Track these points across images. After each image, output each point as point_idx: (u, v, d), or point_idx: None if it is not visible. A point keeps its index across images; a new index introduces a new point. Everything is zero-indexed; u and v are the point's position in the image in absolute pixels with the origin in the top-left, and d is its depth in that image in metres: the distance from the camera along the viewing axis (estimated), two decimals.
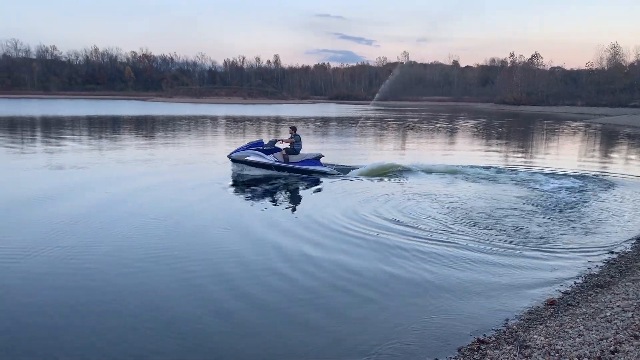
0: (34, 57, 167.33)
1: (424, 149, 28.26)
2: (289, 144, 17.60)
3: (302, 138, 18.00)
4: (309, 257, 8.79)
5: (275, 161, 17.19)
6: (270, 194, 14.95)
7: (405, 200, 13.54)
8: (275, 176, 17.07)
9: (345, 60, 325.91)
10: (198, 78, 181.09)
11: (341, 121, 57.49)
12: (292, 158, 17.38)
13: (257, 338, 6.00)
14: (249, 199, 14.21)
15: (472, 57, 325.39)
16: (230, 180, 16.62)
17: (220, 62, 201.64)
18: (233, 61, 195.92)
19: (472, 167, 19.43)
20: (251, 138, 33.03)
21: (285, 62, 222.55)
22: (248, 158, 17.05)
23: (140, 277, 7.81)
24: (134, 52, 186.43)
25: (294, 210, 12.78)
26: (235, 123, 50.74)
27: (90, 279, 7.65)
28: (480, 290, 7.52)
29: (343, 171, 17.96)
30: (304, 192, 15.06)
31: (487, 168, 19.40)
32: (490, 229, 10.78)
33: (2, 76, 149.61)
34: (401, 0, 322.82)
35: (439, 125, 52.46)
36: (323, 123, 53.18)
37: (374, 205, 12.79)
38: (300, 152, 17.73)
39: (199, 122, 50.29)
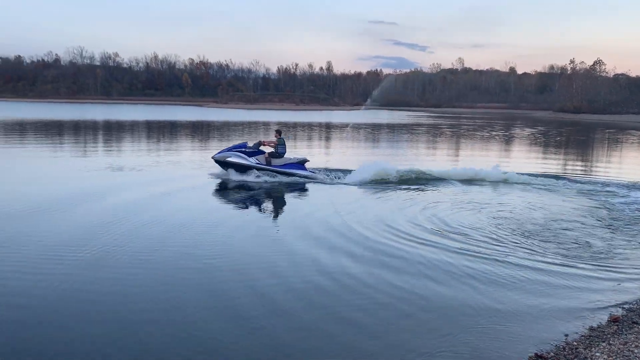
0: (98, 63, 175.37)
1: (478, 156, 27.59)
2: (273, 147, 17.79)
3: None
4: (349, 269, 8.53)
5: (257, 163, 17.36)
6: (310, 200, 14.95)
7: (454, 210, 13.20)
8: (301, 182, 17.01)
9: (398, 66, 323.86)
10: (252, 85, 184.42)
11: (392, 128, 57.05)
12: (275, 161, 17.53)
13: (292, 351, 5.92)
14: (287, 204, 14.28)
15: (530, 63, 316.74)
16: (268, 185, 16.68)
17: (274, 69, 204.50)
18: (286, 68, 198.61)
19: (528, 175, 18.81)
20: (301, 143, 33.32)
21: (338, 69, 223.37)
22: (229, 159, 17.29)
23: (172, 282, 7.95)
24: (191, 59, 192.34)
25: (337, 218, 12.36)
26: (287, 129, 51.26)
27: (124, 284, 7.82)
28: (537, 304, 7.22)
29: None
30: (345, 200, 14.95)
31: (550, 178, 18.73)
32: (547, 242, 10.36)
33: (68, 82, 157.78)
34: (456, 7, 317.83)
35: (494, 133, 51.19)
36: (374, 129, 52.94)
37: (420, 215, 12.48)
38: (285, 156, 17.91)
39: (252, 128, 51.13)
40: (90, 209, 12.22)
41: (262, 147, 17.80)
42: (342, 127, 56.25)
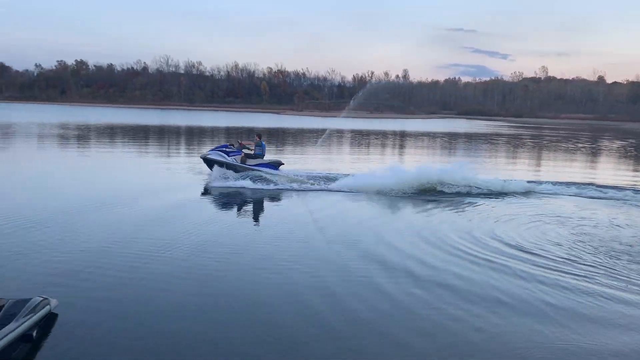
0: (182, 72, 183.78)
1: (561, 167, 26.17)
2: (251, 149, 19.41)
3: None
4: (418, 277, 8.30)
5: (233, 161, 18.65)
6: (387, 209, 14.75)
7: (531, 225, 12.53)
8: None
9: (477, 74, 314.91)
10: (327, 93, 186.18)
11: (470, 137, 55.46)
12: (250, 161, 18.85)
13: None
14: (363, 211, 14.14)
15: (621, 72, 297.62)
16: (345, 189, 16.69)
17: (349, 77, 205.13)
18: (362, 76, 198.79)
19: (612, 189, 17.61)
20: (374, 150, 33.19)
21: (414, 77, 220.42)
22: (209, 156, 18.64)
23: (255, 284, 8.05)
24: (269, 68, 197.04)
25: (410, 228, 12.18)
26: (360, 136, 51.21)
27: (210, 284, 8.03)
28: (625, 337, 6.66)
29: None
30: (422, 210, 14.60)
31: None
32: (636, 264, 9.58)
33: (154, 89, 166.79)
34: (539, 13, 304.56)
35: (579, 144, 48.44)
36: (451, 138, 51.74)
37: (494, 226, 12.00)
38: (265, 157, 19.41)
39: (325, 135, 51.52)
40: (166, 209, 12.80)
41: (244, 149, 19.27)
42: (417, 135, 55.44)
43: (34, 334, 5.33)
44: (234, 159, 18.70)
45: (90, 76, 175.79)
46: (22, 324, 5.12)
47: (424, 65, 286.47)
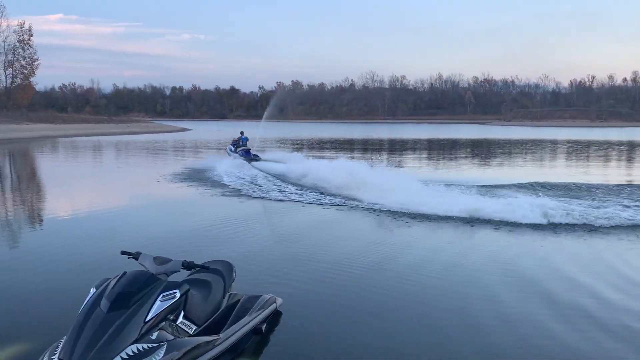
0: (386, 86, 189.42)
1: None
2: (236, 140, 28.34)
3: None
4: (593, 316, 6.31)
5: (234, 151, 27.09)
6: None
7: None
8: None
9: None
10: (539, 100, 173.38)
11: None
12: (239, 149, 27.06)
13: None
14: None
15: None
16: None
17: (565, 83, 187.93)
18: (580, 81, 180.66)
19: None
20: (589, 163, 29.77)
21: None
22: (227, 148, 28.70)
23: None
24: (475, 77, 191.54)
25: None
26: (580, 147, 46.42)
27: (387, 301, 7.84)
28: None
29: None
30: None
31: None
32: None
33: (360, 104, 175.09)
34: None
35: None
36: None
37: None
38: (246, 147, 27.31)
39: (537, 145, 47.91)
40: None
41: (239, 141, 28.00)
42: None
43: (263, 328, 5.88)
44: (234, 148, 27.24)
45: (304, 95, 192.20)
46: (255, 318, 5.66)
47: None
